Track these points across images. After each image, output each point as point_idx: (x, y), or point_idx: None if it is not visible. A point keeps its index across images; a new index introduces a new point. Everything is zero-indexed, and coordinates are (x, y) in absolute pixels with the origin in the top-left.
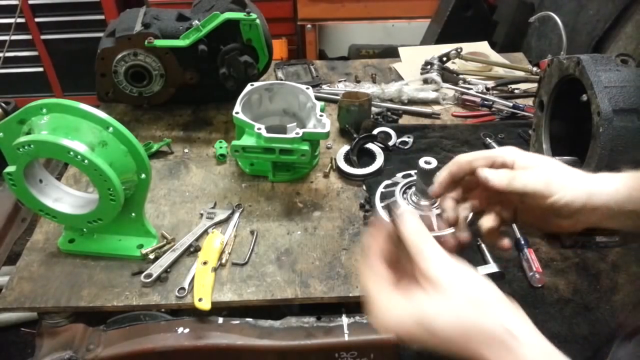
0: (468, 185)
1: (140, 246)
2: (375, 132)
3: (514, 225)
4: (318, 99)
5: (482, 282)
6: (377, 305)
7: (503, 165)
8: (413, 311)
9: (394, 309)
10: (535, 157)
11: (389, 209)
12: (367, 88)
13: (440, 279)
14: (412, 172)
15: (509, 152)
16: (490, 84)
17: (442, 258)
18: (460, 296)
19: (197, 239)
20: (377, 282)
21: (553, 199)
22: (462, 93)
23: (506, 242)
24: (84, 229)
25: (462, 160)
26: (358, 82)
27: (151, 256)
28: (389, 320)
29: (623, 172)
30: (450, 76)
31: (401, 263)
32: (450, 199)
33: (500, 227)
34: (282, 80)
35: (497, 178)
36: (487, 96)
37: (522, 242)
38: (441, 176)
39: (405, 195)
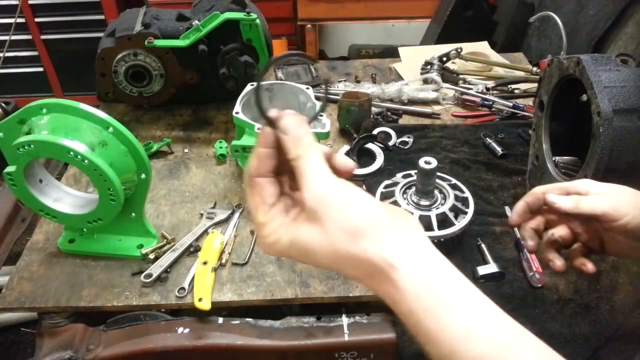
0: (550, 217)
1: (140, 246)
2: (375, 132)
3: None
4: (318, 99)
5: (363, 208)
6: (259, 228)
7: (577, 194)
8: (292, 238)
9: (276, 232)
10: (608, 186)
11: (264, 116)
12: (367, 88)
13: (318, 208)
14: (412, 172)
15: (582, 183)
16: (490, 84)
17: (323, 182)
18: (336, 227)
19: (197, 239)
20: (257, 202)
21: (623, 221)
22: (462, 93)
23: (590, 266)
24: (84, 229)
25: (538, 191)
26: (358, 82)
27: (151, 256)
28: (271, 244)
29: None
30: (450, 76)
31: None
32: (530, 229)
33: (583, 253)
34: (282, 80)
35: (563, 201)
36: (487, 96)
37: (522, 242)
38: (518, 206)
39: (405, 195)
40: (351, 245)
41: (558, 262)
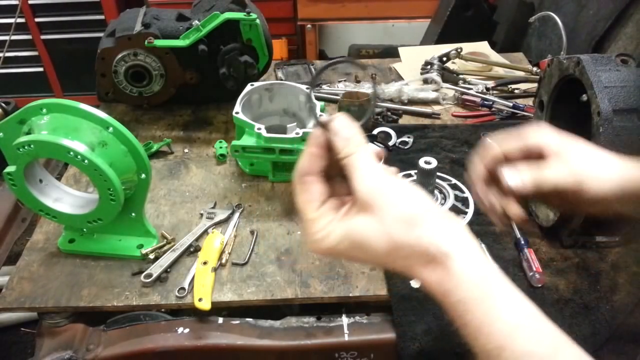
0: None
1: (140, 246)
2: (375, 132)
3: (514, 226)
4: (318, 99)
5: (416, 198)
6: (308, 225)
7: (538, 154)
8: (345, 231)
9: (325, 228)
10: (567, 142)
11: (316, 119)
12: (367, 88)
13: (372, 198)
14: (412, 172)
15: (543, 137)
16: (490, 84)
17: (375, 175)
18: (391, 216)
19: (197, 239)
20: (307, 199)
21: (584, 192)
22: (462, 93)
23: (521, 213)
24: (84, 229)
25: (496, 152)
26: (358, 82)
27: (151, 256)
28: (320, 240)
29: None
30: (450, 76)
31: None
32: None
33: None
34: (282, 80)
35: (521, 183)
36: (487, 96)
37: (522, 242)
38: (477, 173)
39: None
40: (407, 234)
41: (515, 209)
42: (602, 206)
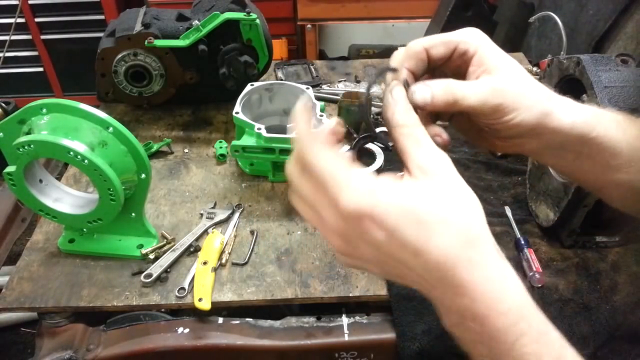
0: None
1: (140, 246)
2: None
3: (514, 225)
4: (318, 99)
5: (466, 188)
6: (339, 183)
7: (463, 58)
8: (396, 192)
9: (366, 185)
10: (496, 56)
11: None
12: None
13: (433, 166)
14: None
15: (473, 39)
16: None
17: (433, 146)
18: (450, 186)
19: (197, 239)
20: (333, 157)
21: (502, 119)
22: None
23: (445, 136)
24: (84, 229)
25: (417, 49)
26: (358, 82)
27: (151, 256)
28: (358, 198)
29: (588, 106)
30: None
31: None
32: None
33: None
34: (282, 80)
35: (430, 98)
36: None
37: (522, 242)
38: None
39: None
40: (463, 208)
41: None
42: (509, 138)
